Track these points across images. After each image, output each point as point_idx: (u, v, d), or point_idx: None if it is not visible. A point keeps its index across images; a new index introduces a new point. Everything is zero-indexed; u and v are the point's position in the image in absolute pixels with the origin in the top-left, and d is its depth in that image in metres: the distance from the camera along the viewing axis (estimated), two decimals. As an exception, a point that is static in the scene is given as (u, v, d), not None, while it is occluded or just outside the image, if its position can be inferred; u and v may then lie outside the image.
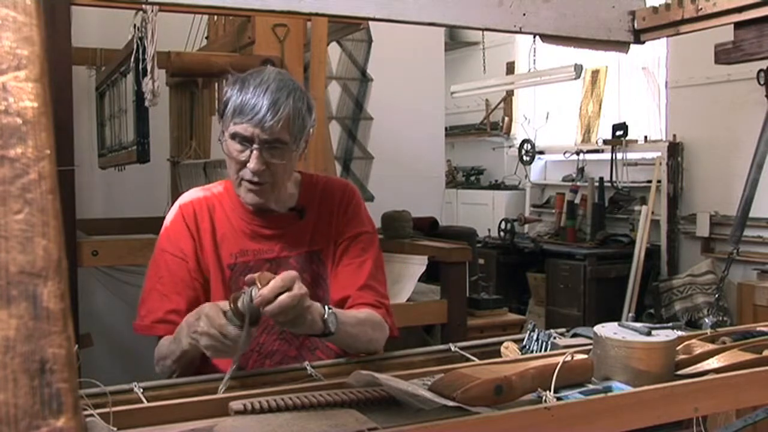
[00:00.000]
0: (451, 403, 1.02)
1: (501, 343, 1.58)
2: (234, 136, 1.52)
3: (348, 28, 3.16)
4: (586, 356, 1.25)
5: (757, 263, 4.79)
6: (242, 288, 1.62)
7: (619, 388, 1.17)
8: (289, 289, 1.30)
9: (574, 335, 1.57)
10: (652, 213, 5.32)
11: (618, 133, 5.67)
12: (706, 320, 1.48)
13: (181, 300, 1.57)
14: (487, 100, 7.31)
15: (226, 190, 1.69)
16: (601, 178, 5.77)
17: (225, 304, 1.32)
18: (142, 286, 1.64)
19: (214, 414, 1.07)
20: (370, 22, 2.97)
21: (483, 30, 1.72)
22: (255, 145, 1.50)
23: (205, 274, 1.61)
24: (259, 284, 1.28)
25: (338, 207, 1.71)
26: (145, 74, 2.35)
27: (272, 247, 1.64)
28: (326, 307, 1.45)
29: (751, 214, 2.83)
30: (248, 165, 1.52)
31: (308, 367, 1.41)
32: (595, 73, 6.32)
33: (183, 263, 1.60)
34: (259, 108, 1.48)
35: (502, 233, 6.09)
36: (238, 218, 1.65)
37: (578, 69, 5.03)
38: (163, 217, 1.69)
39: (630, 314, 1.63)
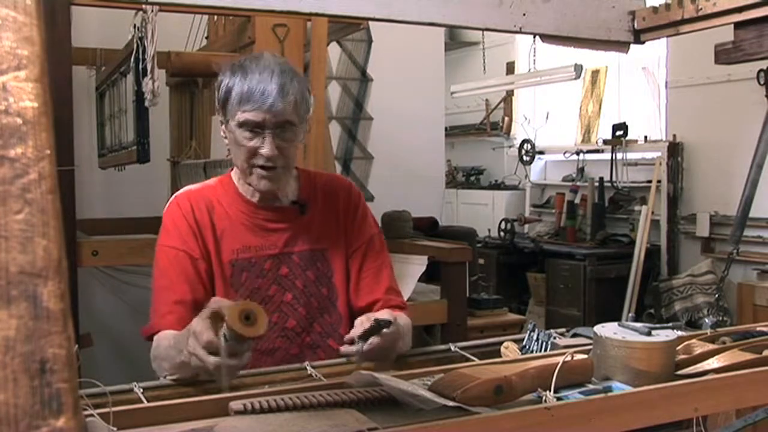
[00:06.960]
0: (451, 403, 1.02)
1: (501, 343, 1.58)
2: (243, 124, 1.51)
3: (348, 28, 3.16)
4: (586, 356, 1.24)
5: (757, 263, 4.79)
6: (244, 285, 1.59)
7: (619, 388, 1.16)
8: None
9: (574, 335, 1.57)
10: (652, 213, 5.32)
11: (618, 133, 5.67)
12: (706, 320, 1.47)
13: (186, 290, 1.52)
14: (487, 100, 7.31)
15: (220, 183, 1.67)
16: (601, 178, 5.77)
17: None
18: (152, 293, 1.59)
19: (214, 414, 1.07)
20: (370, 22, 2.97)
21: (483, 30, 1.72)
22: (267, 131, 1.51)
23: (209, 268, 1.58)
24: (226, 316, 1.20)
25: (345, 210, 1.69)
26: (145, 74, 2.35)
27: (275, 242, 1.62)
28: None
29: (751, 214, 2.82)
30: (261, 151, 1.51)
31: (308, 367, 1.41)
32: (595, 73, 6.32)
33: (185, 255, 1.56)
34: (268, 93, 1.48)
35: (502, 233, 6.09)
36: (237, 211, 1.62)
37: (578, 69, 5.02)
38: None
39: (630, 314, 1.63)
